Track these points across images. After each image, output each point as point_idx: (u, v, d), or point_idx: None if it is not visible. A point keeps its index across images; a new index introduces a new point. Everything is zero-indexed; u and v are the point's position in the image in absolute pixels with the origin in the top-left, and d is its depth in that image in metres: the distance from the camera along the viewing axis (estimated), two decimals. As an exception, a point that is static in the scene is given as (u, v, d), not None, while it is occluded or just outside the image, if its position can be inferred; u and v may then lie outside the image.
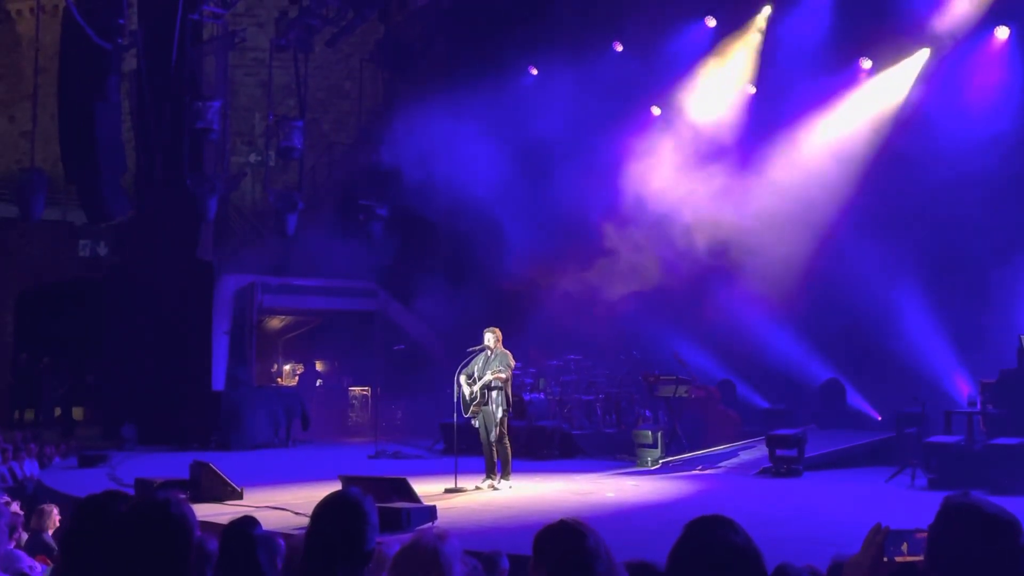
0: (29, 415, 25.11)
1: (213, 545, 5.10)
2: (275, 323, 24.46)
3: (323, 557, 3.26)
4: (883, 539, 2.57)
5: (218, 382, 20.43)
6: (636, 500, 12.37)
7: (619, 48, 21.09)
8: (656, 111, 21.02)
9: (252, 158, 26.25)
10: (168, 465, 15.23)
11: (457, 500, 11.96)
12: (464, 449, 13.71)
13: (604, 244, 19.71)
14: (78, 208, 22.11)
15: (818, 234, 19.13)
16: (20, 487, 13.27)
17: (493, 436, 12.68)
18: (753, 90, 19.94)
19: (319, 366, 25.58)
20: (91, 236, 25.37)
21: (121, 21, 18.30)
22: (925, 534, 2.51)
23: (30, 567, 5.75)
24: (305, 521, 3.53)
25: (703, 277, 18.97)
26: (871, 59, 18.42)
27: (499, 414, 12.68)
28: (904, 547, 2.56)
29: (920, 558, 2.52)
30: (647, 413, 17.25)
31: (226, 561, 4.65)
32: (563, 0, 21.25)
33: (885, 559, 2.56)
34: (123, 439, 19.34)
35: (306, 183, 21.44)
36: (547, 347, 19.27)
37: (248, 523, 4.81)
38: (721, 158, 19.19)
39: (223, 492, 11.83)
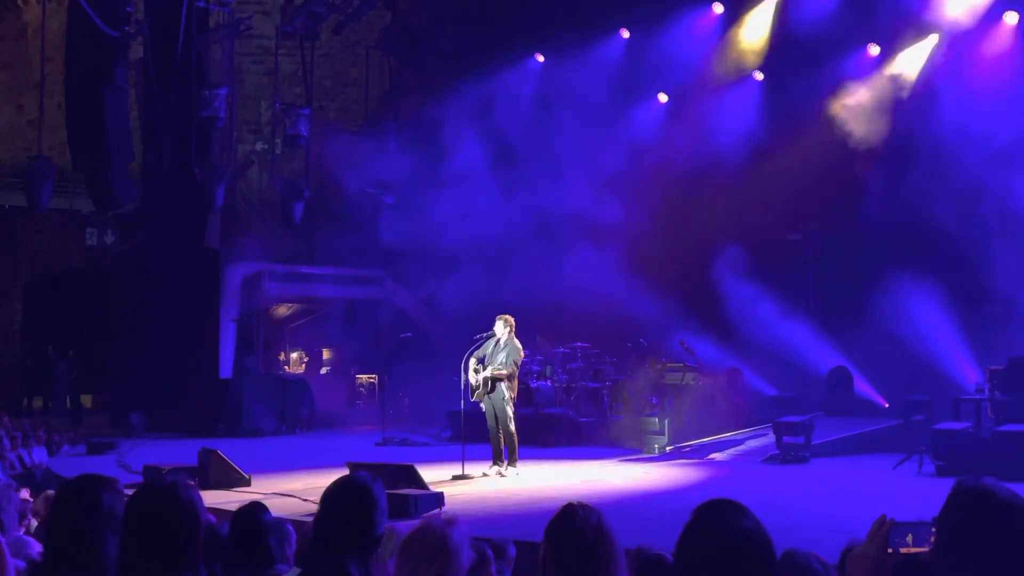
0: (37, 403, 25.22)
1: (228, 530, 5.13)
2: (282, 311, 24.49)
3: (332, 541, 3.26)
4: (888, 531, 2.56)
5: (226, 370, 20.50)
6: (643, 487, 12.37)
7: (626, 35, 21.07)
8: (663, 98, 21.01)
9: (258, 146, 26.24)
10: (176, 452, 15.29)
11: (464, 487, 11.97)
12: (471, 436, 13.72)
13: (605, 230, 19.69)
14: (85, 196, 22.13)
15: (825, 221, 19.14)
16: (29, 474, 13.31)
17: (501, 423, 12.70)
18: (760, 77, 19.91)
19: (326, 354, 25.61)
20: (98, 224, 25.41)
21: (128, 9, 18.30)
22: (931, 525, 2.50)
23: (40, 553, 5.76)
24: (313, 508, 3.53)
25: (710, 265, 18.94)
26: (879, 45, 18.37)
27: (507, 404, 12.67)
28: (909, 539, 2.54)
29: (925, 549, 2.50)
30: (654, 400, 17.24)
31: (235, 546, 4.67)
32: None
33: (890, 551, 2.55)
34: (131, 426, 19.42)
35: (313, 171, 21.43)
36: (554, 335, 19.26)
37: (257, 509, 4.83)
38: (726, 144, 19.16)
39: (231, 479, 11.87)
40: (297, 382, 21.52)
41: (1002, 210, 16.37)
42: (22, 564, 4.30)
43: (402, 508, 9.31)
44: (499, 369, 12.61)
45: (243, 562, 4.64)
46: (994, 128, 15.85)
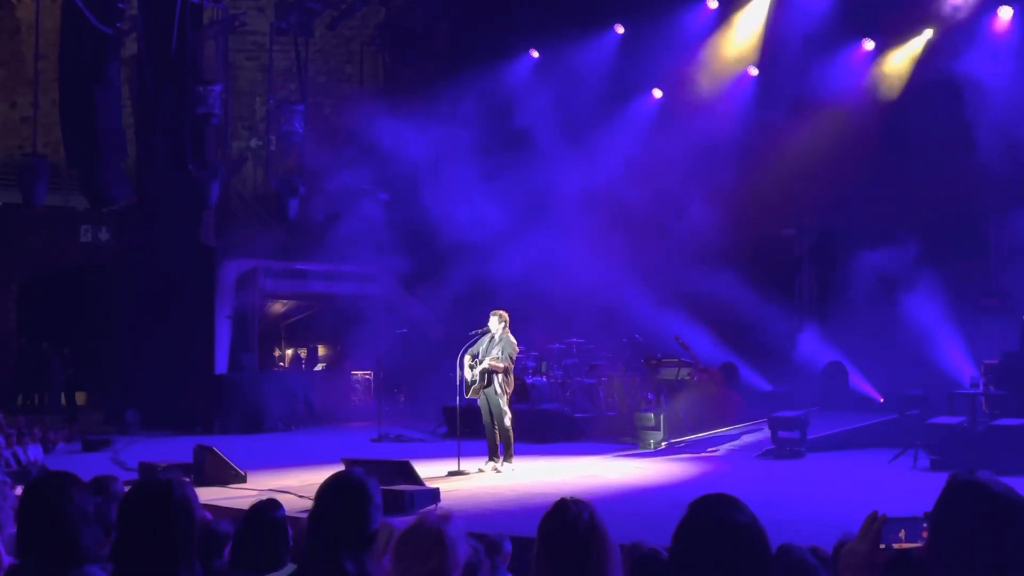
0: (32, 400, 25.19)
1: (225, 527, 5.12)
2: (277, 307, 24.47)
3: (327, 538, 3.25)
4: (880, 527, 2.56)
5: (221, 366, 20.48)
6: (639, 482, 12.40)
7: (620, 31, 21.07)
8: (657, 93, 21.02)
9: (253, 143, 26.19)
10: (172, 449, 15.29)
11: (460, 483, 11.98)
12: (467, 432, 13.71)
13: (599, 225, 19.69)
14: (80, 193, 22.08)
15: (819, 216, 19.16)
16: (24, 472, 13.26)
17: (497, 419, 12.71)
18: (755, 72, 19.93)
19: (321, 350, 25.57)
20: (93, 221, 25.33)
21: (121, 5, 18.26)
22: (923, 521, 2.50)
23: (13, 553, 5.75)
24: (309, 504, 3.53)
25: (705, 260, 18.95)
26: (874, 40, 18.40)
27: (502, 399, 12.67)
28: (902, 534, 2.54)
29: (918, 545, 2.51)
30: (650, 396, 17.27)
31: (247, 543, 4.67)
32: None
33: (883, 546, 2.55)
34: (127, 424, 19.41)
35: (307, 167, 21.40)
36: (550, 330, 19.27)
37: (271, 506, 4.84)
38: (720, 139, 19.18)
39: (227, 476, 11.86)
40: (293, 378, 21.48)
41: (997, 205, 16.41)
42: (18, 561, 4.29)
43: (398, 504, 9.31)
44: (495, 360, 12.61)
45: (254, 559, 4.64)
46: (989, 124, 15.87)
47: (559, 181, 19.97)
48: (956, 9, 17.14)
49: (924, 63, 17.82)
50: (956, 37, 17.08)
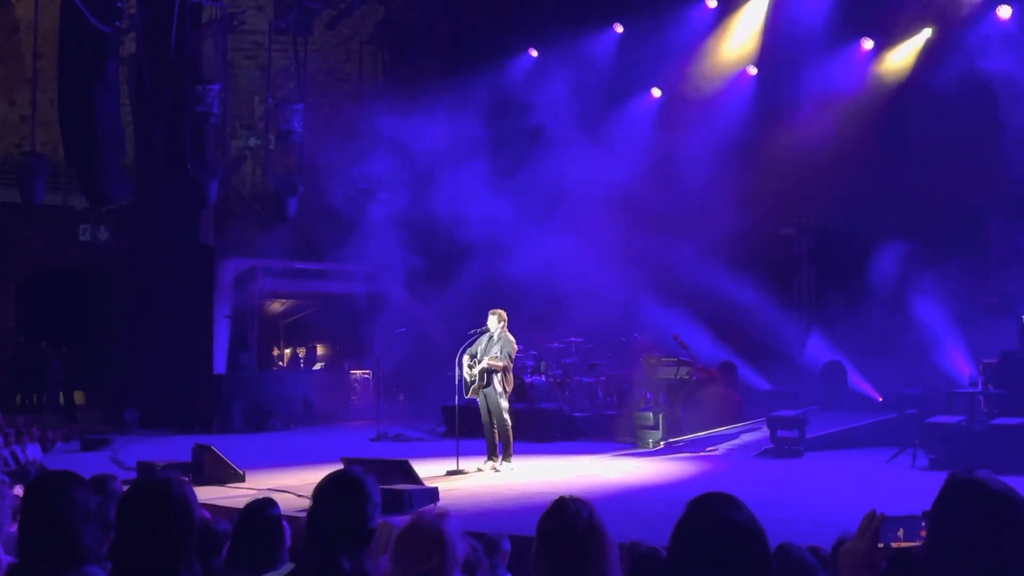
0: (31, 399, 25.17)
1: (223, 526, 5.12)
2: (276, 307, 24.46)
3: (325, 536, 3.25)
4: (878, 525, 2.56)
5: (220, 366, 20.47)
6: (638, 481, 12.39)
7: (619, 30, 21.08)
8: (656, 93, 21.02)
9: (252, 142, 26.19)
10: (170, 448, 15.29)
11: (459, 482, 11.97)
12: (466, 431, 13.71)
13: (598, 225, 19.68)
14: (79, 192, 22.07)
15: (818, 215, 19.16)
16: (23, 471, 13.25)
17: (496, 418, 12.71)
18: (755, 71, 19.93)
19: (320, 349, 25.55)
20: (92, 220, 25.32)
21: (120, 4, 18.28)
22: (921, 519, 2.50)
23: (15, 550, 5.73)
24: (307, 503, 3.53)
25: (704, 260, 18.96)
26: (872, 39, 18.41)
27: (501, 398, 12.67)
28: (900, 533, 2.55)
29: (916, 543, 2.51)
30: (648, 395, 17.26)
31: (242, 541, 4.67)
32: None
33: (881, 545, 2.55)
34: (125, 423, 19.40)
35: (306, 166, 21.40)
36: (548, 329, 19.26)
37: (266, 505, 4.83)
38: (720, 138, 19.18)
39: (225, 475, 11.86)
40: (291, 378, 21.46)
41: (997, 205, 16.41)
42: (17, 560, 4.29)
43: (396, 503, 9.31)
44: (494, 359, 12.61)
45: (250, 558, 4.64)
46: (990, 122, 15.88)
47: (557, 180, 19.95)
48: (972, 8, 17.12)
49: (923, 62, 17.82)
50: (957, 36, 17.09)
